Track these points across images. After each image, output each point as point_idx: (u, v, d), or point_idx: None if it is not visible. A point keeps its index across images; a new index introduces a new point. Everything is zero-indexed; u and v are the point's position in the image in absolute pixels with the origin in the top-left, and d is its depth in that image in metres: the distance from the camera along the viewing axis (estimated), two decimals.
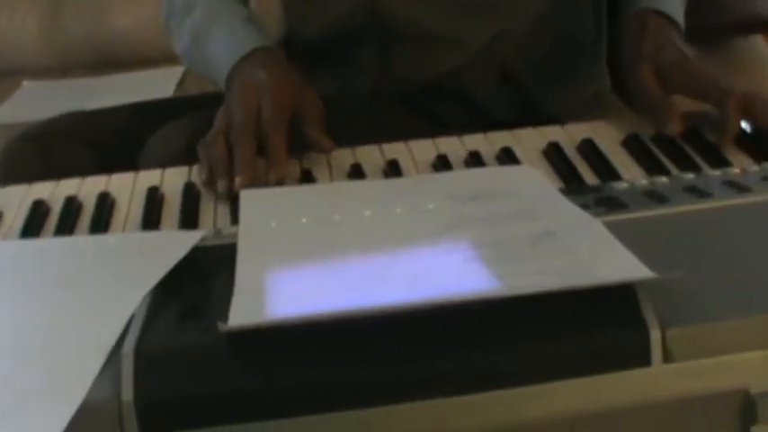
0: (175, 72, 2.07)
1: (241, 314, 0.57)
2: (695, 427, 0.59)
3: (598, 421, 0.57)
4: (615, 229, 0.66)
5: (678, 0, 1.03)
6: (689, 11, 1.04)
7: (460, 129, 0.98)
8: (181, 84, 2.03)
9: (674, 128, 0.92)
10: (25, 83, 2.21)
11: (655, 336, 0.57)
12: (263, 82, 0.94)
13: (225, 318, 0.57)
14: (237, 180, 0.85)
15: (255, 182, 0.85)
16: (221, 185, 0.86)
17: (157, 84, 2.01)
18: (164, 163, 0.96)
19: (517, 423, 0.56)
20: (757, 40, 1.60)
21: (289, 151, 0.89)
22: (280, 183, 0.87)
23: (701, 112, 0.94)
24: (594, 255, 0.63)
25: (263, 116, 0.90)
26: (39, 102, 2.01)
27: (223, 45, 1.01)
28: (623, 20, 1.04)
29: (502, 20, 1.08)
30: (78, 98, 1.92)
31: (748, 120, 0.90)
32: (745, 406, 0.58)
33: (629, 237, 0.65)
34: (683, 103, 0.94)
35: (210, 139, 0.90)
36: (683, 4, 1.04)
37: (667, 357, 0.57)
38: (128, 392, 0.54)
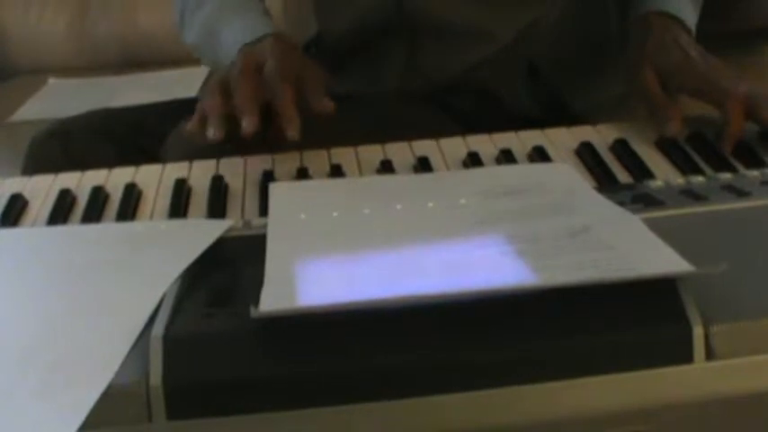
0: (200, 72, 2.06)
1: (273, 300, 0.56)
2: (737, 428, 0.57)
3: (637, 418, 0.56)
4: (653, 225, 0.65)
5: (687, 1, 1.01)
6: (711, 16, 1.02)
7: (484, 125, 0.97)
8: (206, 84, 2.02)
9: (673, 128, 0.89)
10: (51, 80, 2.22)
11: (697, 332, 0.55)
12: (267, 50, 0.92)
13: (256, 304, 0.56)
14: (244, 123, 0.80)
15: (258, 133, 0.80)
16: (211, 132, 0.81)
17: (182, 83, 2.01)
18: (187, 155, 0.95)
19: (554, 418, 0.55)
20: None
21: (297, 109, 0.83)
22: (293, 142, 0.81)
23: (704, 117, 0.91)
24: (633, 249, 0.61)
25: (265, 71, 0.86)
26: (64, 99, 2.01)
27: (236, 32, 1.00)
28: (629, 21, 1.03)
29: (530, 14, 1.07)
30: (103, 96, 1.93)
31: (753, 122, 0.87)
32: None
33: (668, 233, 0.63)
34: (691, 105, 0.92)
35: (206, 92, 0.87)
36: (696, 6, 1.02)
37: (710, 354, 0.55)
38: (156, 376, 0.53)
